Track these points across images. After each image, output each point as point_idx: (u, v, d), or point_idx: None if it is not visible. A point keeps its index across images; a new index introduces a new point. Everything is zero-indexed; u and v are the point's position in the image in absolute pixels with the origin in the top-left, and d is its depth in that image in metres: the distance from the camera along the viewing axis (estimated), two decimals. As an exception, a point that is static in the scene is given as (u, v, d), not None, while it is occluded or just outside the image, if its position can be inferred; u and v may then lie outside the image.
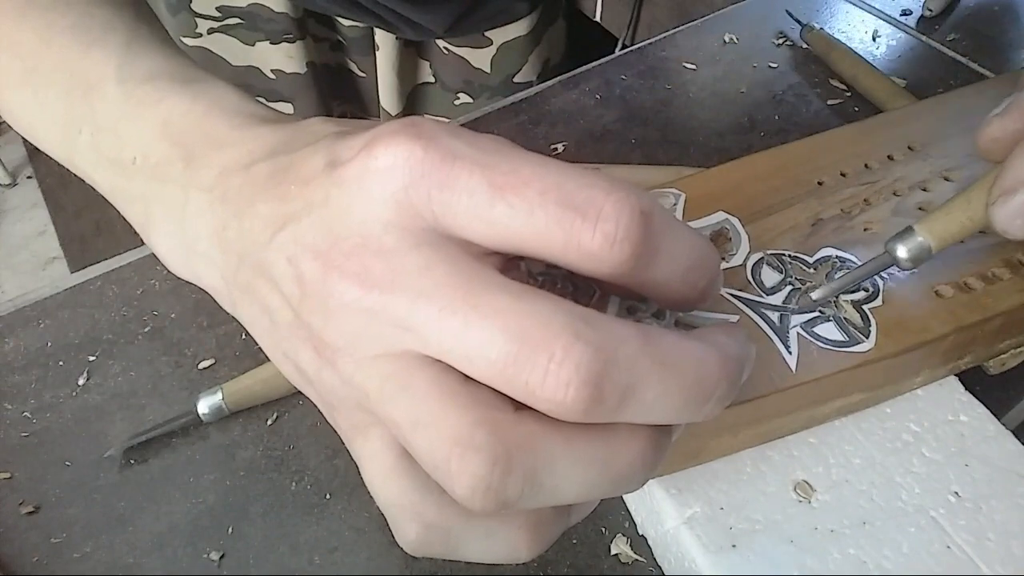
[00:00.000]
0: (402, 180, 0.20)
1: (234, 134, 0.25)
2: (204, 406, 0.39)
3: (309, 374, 0.23)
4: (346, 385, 0.21)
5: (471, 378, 0.19)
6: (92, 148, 0.29)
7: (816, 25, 0.60)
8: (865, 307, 0.32)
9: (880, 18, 0.63)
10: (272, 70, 0.69)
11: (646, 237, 0.19)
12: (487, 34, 0.69)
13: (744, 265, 0.33)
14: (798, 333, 0.31)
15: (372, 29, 0.68)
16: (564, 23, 0.75)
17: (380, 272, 0.20)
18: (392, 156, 0.20)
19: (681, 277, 0.21)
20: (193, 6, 0.66)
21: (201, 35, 0.67)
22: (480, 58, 0.70)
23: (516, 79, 0.72)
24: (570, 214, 0.19)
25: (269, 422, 0.40)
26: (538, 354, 0.18)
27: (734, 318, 0.31)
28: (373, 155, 0.20)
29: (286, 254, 0.22)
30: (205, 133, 0.26)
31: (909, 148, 0.38)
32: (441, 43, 0.69)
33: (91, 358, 0.43)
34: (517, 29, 0.69)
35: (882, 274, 0.32)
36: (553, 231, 0.19)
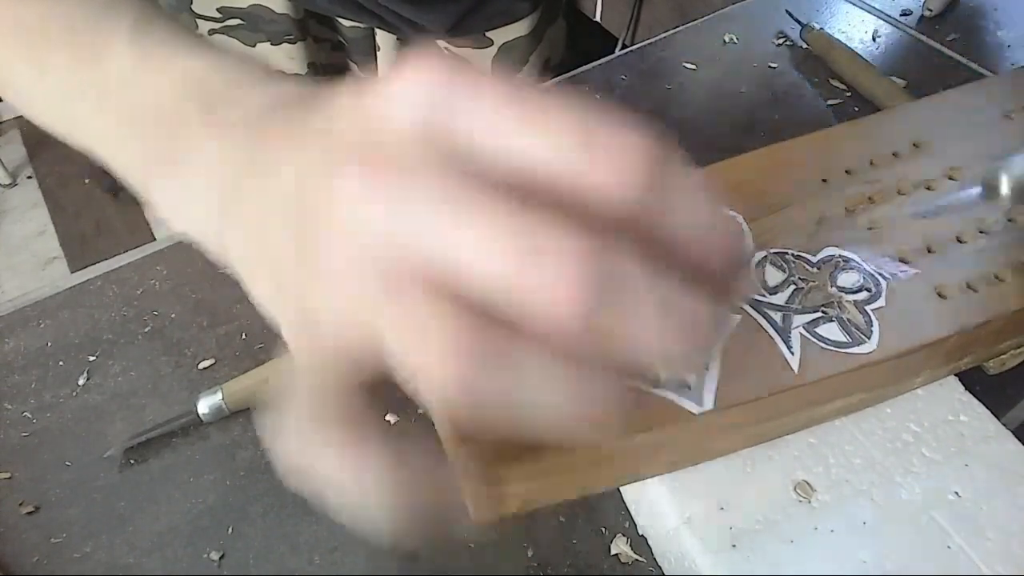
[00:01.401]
0: (426, 94, 0.20)
1: (261, 84, 0.25)
2: (204, 406, 0.39)
3: (305, 301, 0.22)
4: (340, 298, 0.21)
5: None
6: (98, 112, 0.28)
7: (816, 25, 0.60)
8: (868, 308, 0.31)
9: (880, 18, 0.63)
10: None
11: (662, 175, 0.19)
12: (488, 34, 0.68)
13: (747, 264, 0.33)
14: (801, 333, 0.30)
15: (373, 30, 0.68)
16: (564, 23, 0.75)
17: (392, 181, 0.20)
18: (418, 73, 0.20)
19: (704, 234, 0.21)
20: (194, 7, 0.66)
21: (202, 36, 0.67)
22: (481, 58, 0.70)
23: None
24: (590, 141, 0.19)
25: (269, 422, 0.40)
26: (546, 264, 0.18)
27: (736, 318, 0.31)
28: (398, 75, 0.20)
29: (295, 169, 0.21)
30: (227, 84, 0.25)
31: (914, 145, 0.38)
32: (442, 43, 0.69)
33: (91, 358, 0.43)
34: (518, 29, 0.69)
35: (884, 275, 0.32)
36: (571, 157, 0.19)
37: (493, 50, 0.69)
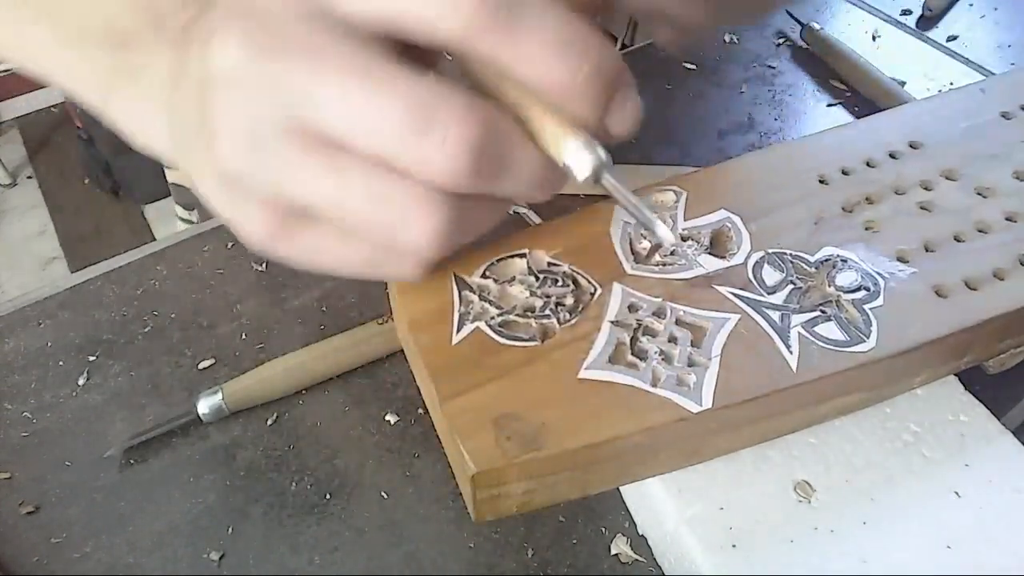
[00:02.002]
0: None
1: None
2: (204, 406, 0.39)
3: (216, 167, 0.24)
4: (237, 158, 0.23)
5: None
6: (49, 28, 0.29)
7: (816, 25, 0.60)
8: (866, 307, 0.31)
9: (880, 18, 0.63)
10: None
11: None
12: None
13: (745, 264, 0.33)
14: (799, 332, 0.30)
15: None
16: None
17: (269, 41, 0.21)
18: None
19: (553, 53, 0.22)
20: None
21: None
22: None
23: None
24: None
25: (269, 422, 0.40)
26: (433, 125, 0.21)
27: (735, 317, 0.31)
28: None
29: (198, 44, 0.23)
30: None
31: (911, 146, 0.38)
32: None
33: (91, 358, 0.43)
34: None
35: (883, 274, 0.32)
36: None
37: None
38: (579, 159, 0.24)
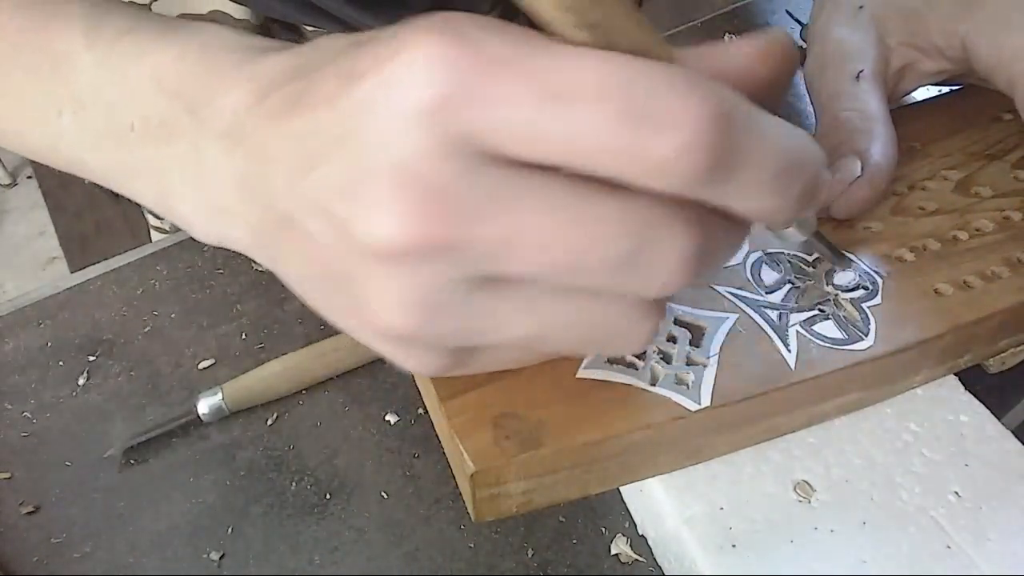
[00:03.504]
0: (433, 96, 0.17)
1: (237, 71, 0.22)
2: (204, 406, 0.39)
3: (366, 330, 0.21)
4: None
5: None
6: (79, 129, 0.25)
7: (816, 25, 0.60)
8: (864, 305, 0.32)
9: (880, 18, 0.63)
10: None
11: (725, 144, 0.17)
12: None
13: (743, 263, 0.33)
14: (797, 331, 0.31)
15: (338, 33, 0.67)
16: (528, 26, 0.74)
17: (434, 208, 0.17)
18: (419, 65, 0.17)
19: (770, 186, 0.19)
20: (153, 10, 0.65)
21: (154, 14, 0.66)
22: None
23: None
24: (634, 123, 0.16)
25: (269, 422, 0.40)
26: (651, 249, 0.18)
27: (733, 317, 0.31)
28: (397, 64, 0.17)
29: (317, 202, 0.19)
30: (205, 77, 0.23)
31: (910, 147, 0.38)
32: None
33: (91, 358, 0.43)
34: None
35: (881, 273, 0.32)
36: (613, 143, 0.17)
37: None
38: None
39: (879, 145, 0.35)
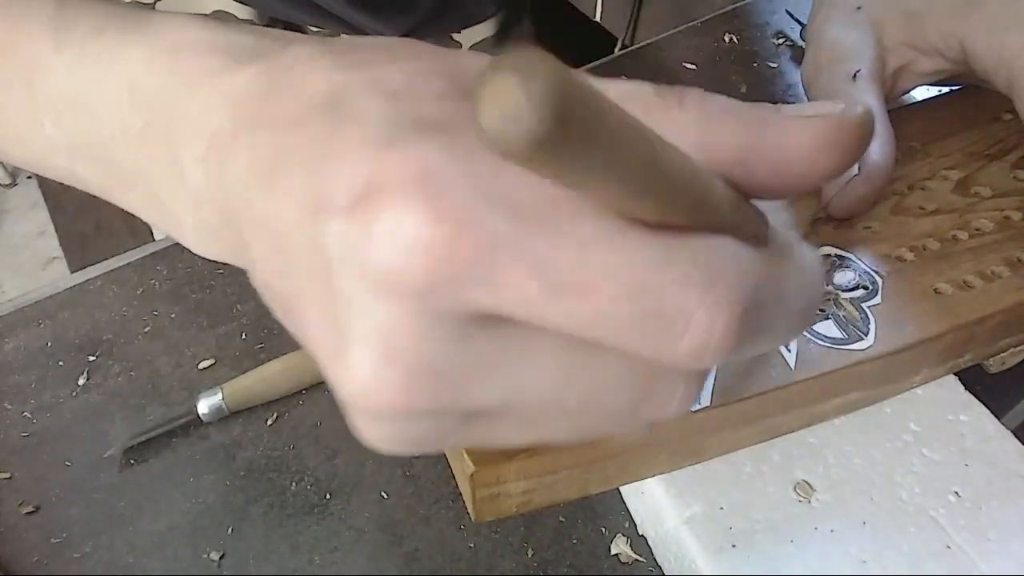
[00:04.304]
0: (418, 285, 0.15)
1: (210, 88, 0.20)
2: (204, 406, 0.39)
3: None
4: None
5: None
6: (64, 138, 0.24)
7: (816, 25, 0.60)
8: (864, 305, 0.32)
9: (880, 18, 0.63)
10: None
11: (744, 338, 0.16)
12: (455, 37, 0.68)
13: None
14: (798, 332, 0.31)
15: (340, 35, 0.67)
16: (532, 26, 0.74)
17: (411, 384, 0.16)
18: (400, 244, 0.14)
19: (783, 338, 0.20)
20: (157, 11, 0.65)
21: (127, 7, 0.66)
22: None
23: None
24: (650, 323, 0.15)
25: (269, 422, 0.40)
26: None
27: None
28: (373, 224, 0.15)
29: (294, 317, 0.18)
30: (177, 91, 0.21)
31: (910, 147, 0.38)
32: None
33: (91, 358, 0.43)
34: (482, 31, 0.68)
35: (880, 272, 0.32)
36: (627, 339, 0.15)
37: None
38: None
39: (876, 144, 0.35)
